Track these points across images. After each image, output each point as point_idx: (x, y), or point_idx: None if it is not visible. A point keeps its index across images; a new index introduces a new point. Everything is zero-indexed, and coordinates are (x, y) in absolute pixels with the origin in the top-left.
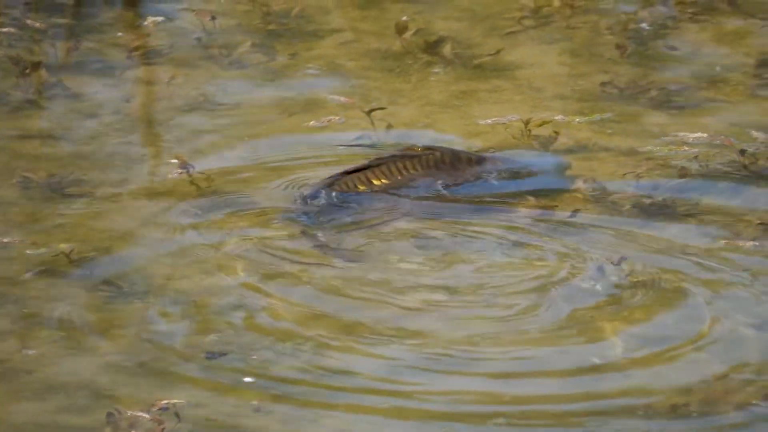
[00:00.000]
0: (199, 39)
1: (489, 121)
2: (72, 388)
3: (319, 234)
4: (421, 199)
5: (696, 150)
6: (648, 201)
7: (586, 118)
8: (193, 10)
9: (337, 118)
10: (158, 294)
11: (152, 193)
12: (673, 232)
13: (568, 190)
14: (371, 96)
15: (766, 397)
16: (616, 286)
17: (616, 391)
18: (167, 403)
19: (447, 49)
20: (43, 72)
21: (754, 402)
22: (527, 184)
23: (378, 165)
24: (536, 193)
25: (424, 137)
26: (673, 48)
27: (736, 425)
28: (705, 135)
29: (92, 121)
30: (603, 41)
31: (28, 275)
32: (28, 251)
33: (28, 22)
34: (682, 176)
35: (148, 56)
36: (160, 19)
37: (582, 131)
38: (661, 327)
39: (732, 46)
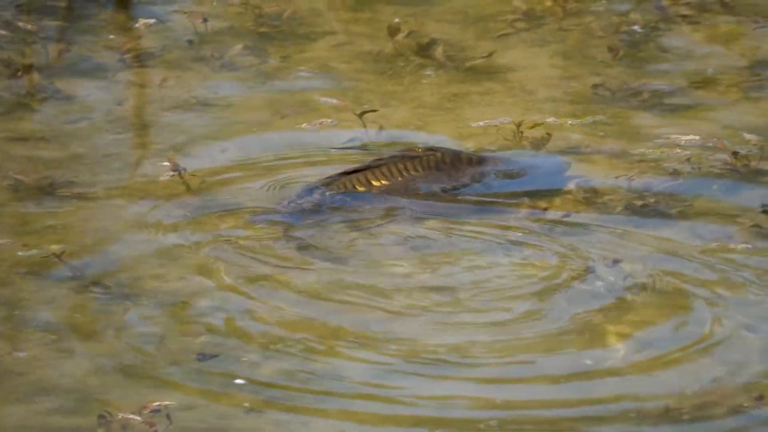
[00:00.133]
0: (190, 41)
1: (481, 123)
2: (63, 390)
3: (303, 234)
4: (418, 200)
5: (688, 152)
6: (640, 203)
7: (579, 120)
8: (185, 13)
9: (329, 120)
10: (149, 296)
11: (144, 195)
12: (665, 234)
13: (564, 192)
14: (363, 98)
15: (760, 400)
16: (610, 287)
17: (609, 394)
18: (158, 405)
19: (439, 52)
20: (34, 74)
21: (746, 405)
22: (526, 185)
23: (378, 166)
24: (534, 194)
25: (416, 139)
26: (665, 50)
27: (729, 429)
28: (697, 137)
29: (84, 123)
30: (595, 43)
31: (18, 276)
32: (19, 253)
33: (20, 24)
34: (674, 178)
35: (139, 58)
36: (151, 21)
37: (574, 133)
38: (654, 330)
39: (724, 47)
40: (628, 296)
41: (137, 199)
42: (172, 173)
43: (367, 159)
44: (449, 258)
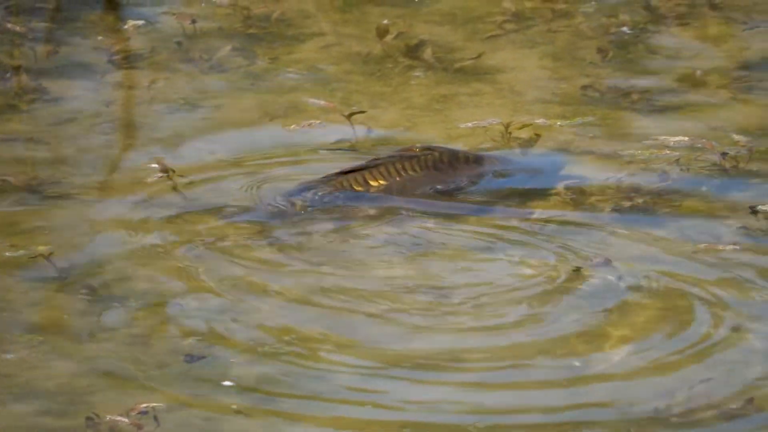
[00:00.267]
0: (179, 43)
1: (470, 124)
2: (50, 392)
3: (294, 234)
4: (415, 200)
5: (677, 153)
6: (629, 204)
7: (568, 121)
8: (174, 14)
9: (317, 121)
10: (137, 297)
11: (132, 196)
12: (654, 235)
13: (555, 192)
14: (352, 99)
15: (749, 401)
16: (599, 288)
17: (597, 395)
18: (146, 407)
19: (428, 53)
20: (23, 75)
21: (734, 407)
22: (522, 184)
23: (376, 166)
24: (529, 193)
25: (405, 140)
26: (654, 51)
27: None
28: (686, 138)
29: (72, 125)
30: (584, 45)
31: (5, 277)
32: (6, 253)
33: (8, 25)
34: (663, 179)
35: (128, 60)
36: (140, 22)
37: (563, 134)
38: (642, 331)
39: (713, 48)
40: (617, 298)
41: (126, 200)
42: (160, 174)
43: (354, 160)
44: (440, 259)
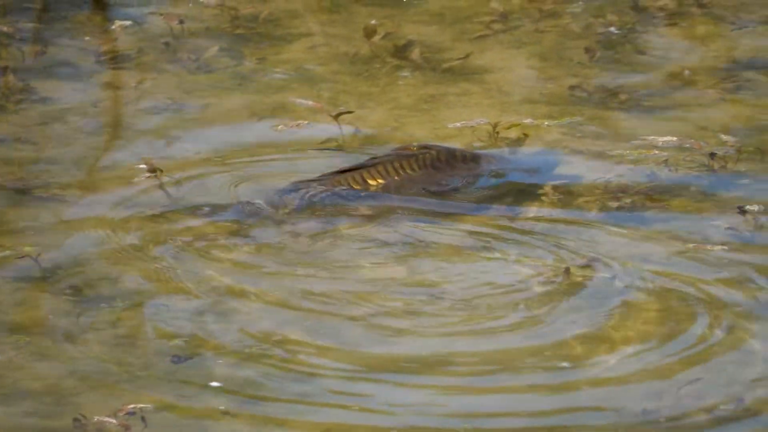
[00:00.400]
0: (167, 43)
1: (458, 124)
2: (38, 393)
3: (275, 233)
4: (410, 199)
5: (666, 153)
6: (617, 204)
7: (556, 121)
8: (161, 14)
9: (305, 122)
10: (124, 298)
11: (120, 197)
12: (643, 235)
13: (549, 191)
14: (339, 100)
15: (737, 402)
16: (586, 288)
17: (585, 395)
18: (134, 408)
19: (416, 53)
20: (10, 76)
21: (722, 407)
22: (516, 184)
23: (374, 164)
24: (522, 193)
25: (392, 140)
26: (642, 51)
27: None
28: (674, 138)
29: (60, 125)
30: (572, 45)
31: None
32: None
33: None
34: (651, 179)
35: (115, 60)
36: (128, 23)
37: (551, 134)
38: (630, 331)
39: (701, 48)
40: (608, 297)
41: (112, 200)
42: (147, 174)
43: (342, 160)
44: (432, 259)
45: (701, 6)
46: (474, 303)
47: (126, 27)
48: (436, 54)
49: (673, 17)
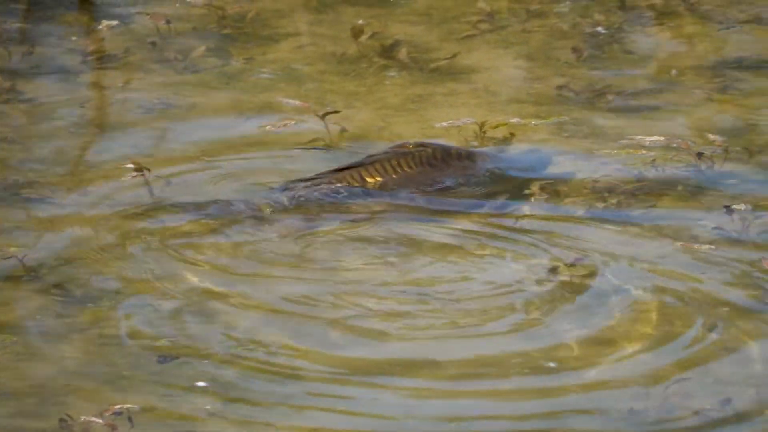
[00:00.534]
0: (154, 43)
1: (444, 124)
2: (24, 393)
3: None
4: (404, 197)
5: (653, 153)
6: (604, 204)
7: (543, 121)
8: (148, 14)
9: (292, 121)
10: (110, 298)
11: (107, 197)
12: (630, 235)
13: (537, 190)
14: (326, 99)
15: (723, 402)
16: (573, 288)
17: (572, 395)
18: (120, 408)
19: (403, 53)
20: None
21: (709, 407)
22: (511, 180)
23: (372, 162)
24: (511, 192)
25: (380, 140)
26: (630, 51)
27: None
28: (662, 138)
29: (47, 125)
30: (559, 45)
31: None
32: None
33: None
34: (639, 179)
35: (102, 60)
36: (114, 23)
37: (538, 134)
38: (617, 331)
39: (689, 48)
40: (590, 297)
41: (99, 200)
42: (134, 174)
43: (328, 160)
44: (421, 259)
45: (688, 6)
46: (463, 303)
47: (113, 27)
48: (423, 54)
49: (661, 17)
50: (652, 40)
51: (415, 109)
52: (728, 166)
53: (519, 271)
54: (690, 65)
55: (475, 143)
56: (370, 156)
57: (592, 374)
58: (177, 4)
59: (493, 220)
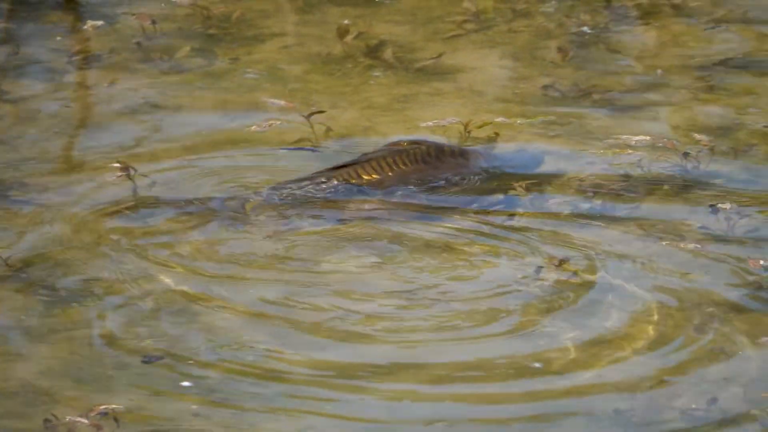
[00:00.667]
0: (139, 43)
1: (430, 123)
2: (9, 393)
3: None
4: (400, 194)
5: (639, 153)
6: (588, 204)
7: (528, 120)
8: (134, 14)
9: (277, 121)
10: (96, 298)
11: (92, 197)
12: (615, 234)
13: (523, 188)
14: (312, 99)
15: (710, 401)
16: (559, 287)
17: (559, 395)
18: (106, 408)
19: (388, 53)
20: None
21: (694, 407)
22: (504, 178)
23: (368, 160)
24: (497, 190)
25: (365, 140)
26: (615, 51)
27: (678, 430)
28: (648, 137)
29: (32, 126)
30: (544, 45)
31: None
32: None
33: None
34: (624, 178)
35: (88, 60)
36: (100, 23)
37: (523, 133)
38: (605, 330)
39: (674, 48)
40: (578, 296)
41: (85, 200)
42: (120, 174)
43: (315, 160)
44: (410, 259)
45: (674, 6)
46: (452, 304)
47: (98, 27)
48: (408, 54)
49: (646, 17)
50: (638, 40)
51: (400, 109)
52: (714, 166)
53: (508, 270)
54: (676, 64)
55: (469, 143)
56: (366, 154)
57: (579, 374)
58: (162, 5)
59: (485, 217)
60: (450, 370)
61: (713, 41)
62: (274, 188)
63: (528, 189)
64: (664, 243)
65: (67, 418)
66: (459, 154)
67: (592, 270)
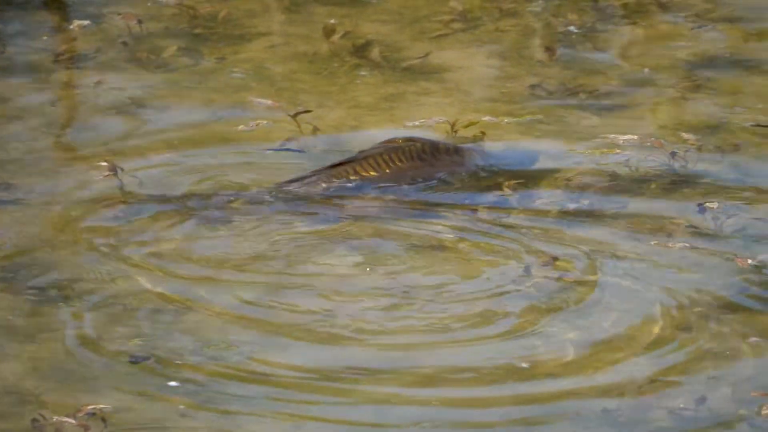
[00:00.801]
0: (125, 43)
1: (417, 122)
2: None
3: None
4: (396, 192)
5: (626, 152)
6: (576, 204)
7: (515, 119)
8: (120, 14)
9: (264, 121)
10: (83, 298)
11: (79, 197)
12: (603, 234)
13: (508, 188)
14: (298, 99)
15: (698, 401)
16: (548, 287)
17: (546, 395)
18: (93, 408)
19: (375, 53)
20: None
21: (682, 406)
22: (499, 176)
23: (365, 158)
24: (485, 189)
25: (352, 139)
26: (602, 50)
27: (666, 429)
28: (635, 137)
29: (18, 125)
30: (532, 44)
31: None
32: None
33: None
34: (612, 178)
35: (74, 60)
36: (86, 22)
37: (510, 133)
38: (594, 329)
39: (661, 47)
40: (567, 296)
41: (72, 200)
42: (107, 173)
43: (301, 159)
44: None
45: (661, 5)
46: (443, 304)
47: (84, 26)
48: (395, 53)
49: (633, 16)
50: (625, 39)
51: (387, 108)
52: (702, 164)
53: (500, 268)
54: (663, 63)
55: (460, 141)
56: (362, 151)
57: (567, 373)
58: (149, 4)
59: (478, 215)
60: (439, 372)
61: (700, 40)
62: (273, 188)
63: (515, 188)
64: (652, 242)
65: (55, 419)
66: (454, 152)
67: (579, 269)
